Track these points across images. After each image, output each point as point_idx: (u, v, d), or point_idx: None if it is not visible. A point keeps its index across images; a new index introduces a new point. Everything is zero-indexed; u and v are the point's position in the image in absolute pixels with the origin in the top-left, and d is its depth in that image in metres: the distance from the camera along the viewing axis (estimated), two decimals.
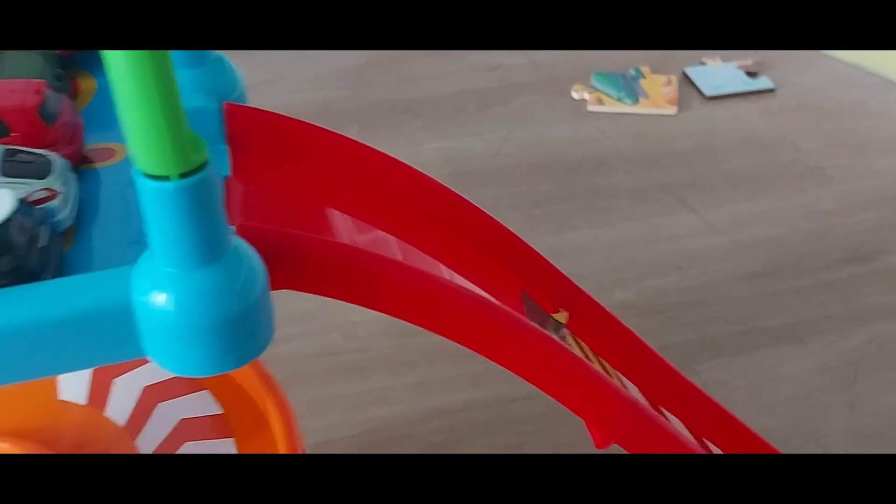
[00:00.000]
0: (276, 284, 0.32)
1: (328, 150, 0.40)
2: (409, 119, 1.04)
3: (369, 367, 0.74)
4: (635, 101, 1.07)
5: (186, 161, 0.26)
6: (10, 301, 0.28)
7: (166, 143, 0.26)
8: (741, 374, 0.74)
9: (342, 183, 0.41)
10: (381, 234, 0.41)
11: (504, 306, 0.36)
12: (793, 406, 0.71)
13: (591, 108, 1.06)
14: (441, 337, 0.83)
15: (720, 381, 0.74)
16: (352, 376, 0.74)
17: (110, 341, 0.29)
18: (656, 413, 0.40)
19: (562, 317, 0.45)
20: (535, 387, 0.38)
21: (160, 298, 0.28)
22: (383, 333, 0.77)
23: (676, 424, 0.46)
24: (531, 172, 0.97)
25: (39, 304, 0.29)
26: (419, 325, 0.35)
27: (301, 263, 0.32)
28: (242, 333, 0.29)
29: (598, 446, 0.40)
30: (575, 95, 1.08)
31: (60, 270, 0.31)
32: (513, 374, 0.77)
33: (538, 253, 0.45)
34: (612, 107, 1.06)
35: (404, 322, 0.82)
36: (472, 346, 0.36)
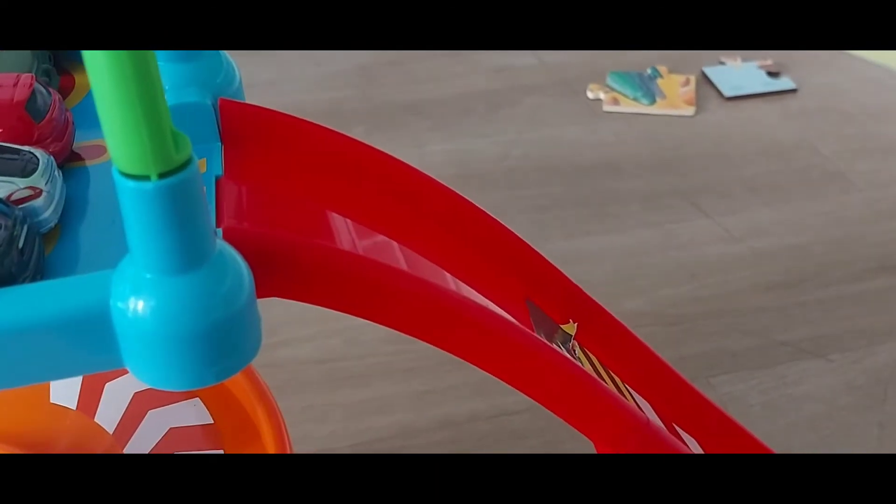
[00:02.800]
0: (265, 291, 0.30)
1: (328, 149, 0.38)
2: (415, 120, 1.02)
3: (370, 374, 0.73)
4: (652, 101, 1.04)
5: (167, 160, 0.25)
6: None
7: (145, 141, 0.24)
8: (760, 389, 0.72)
9: (342, 184, 0.39)
10: (382, 238, 0.39)
11: (512, 319, 0.34)
12: (816, 425, 0.68)
13: (607, 108, 1.04)
14: None
15: (737, 397, 0.71)
16: (352, 383, 0.72)
17: (87, 350, 0.28)
18: (668, 433, 0.38)
19: (570, 328, 0.43)
20: (544, 407, 0.36)
21: (138, 304, 0.26)
22: (385, 340, 0.75)
23: (691, 444, 0.44)
24: (541, 175, 0.95)
25: (13, 309, 0.27)
26: (419, 338, 0.33)
27: (292, 269, 0.31)
28: (225, 344, 0.28)
29: None
30: (590, 95, 1.05)
31: (42, 272, 0.30)
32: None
33: (546, 259, 0.43)
34: (628, 107, 1.04)
35: None
36: (476, 361, 0.34)
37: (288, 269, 0.31)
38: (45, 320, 0.27)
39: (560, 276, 0.43)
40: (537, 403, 0.76)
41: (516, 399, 0.71)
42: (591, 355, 0.43)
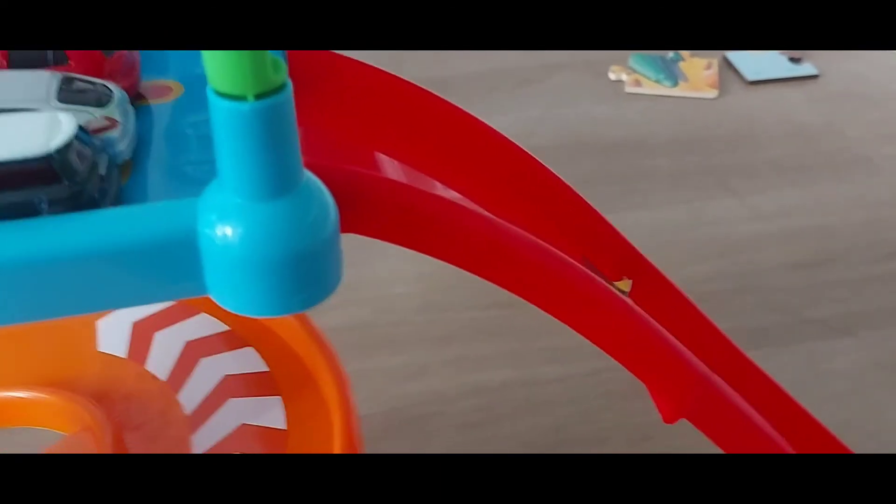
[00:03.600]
0: (343, 227, 0.30)
1: (386, 91, 0.38)
2: (443, 96, 1.01)
3: (403, 341, 0.72)
4: (674, 83, 1.04)
5: (264, 81, 0.25)
6: (71, 227, 0.26)
7: (244, 60, 0.24)
8: (789, 366, 0.72)
9: (399, 127, 0.39)
10: (439, 186, 0.39)
11: (574, 261, 0.34)
12: (844, 402, 0.68)
13: (629, 89, 1.03)
14: (477, 314, 0.81)
15: None
16: (385, 350, 0.72)
17: (172, 275, 0.27)
18: (731, 390, 0.38)
19: (625, 285, 0.43)
20: (603, 350, 0.36)
21: (227, 230, 0.26)
22: (418, 308, 0.75)
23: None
24: (567, 153, 0.94)
25: (101, 231, 0.27)
26: (486, 278, 0.33)
27: (370, 206, 0.30)
28: (310, 273, 0.28)
29: (665, 420, 0.38)
30: (612, 77, 1.05)
31: (120, 203, 0.30)
32: (547, 354, 0.75)
33: (602, 216, 0.43)
34: (650, 89, 1.03)
35: (439, 298, 0.80)
36: (540, 301, 0.34)
37: (367, 205, 0.30)
38: (132, 243, 0.27)
39: (616, 235, 0.43)
40: (568, 374, 0.76)
41: (550, 368, 0.71)
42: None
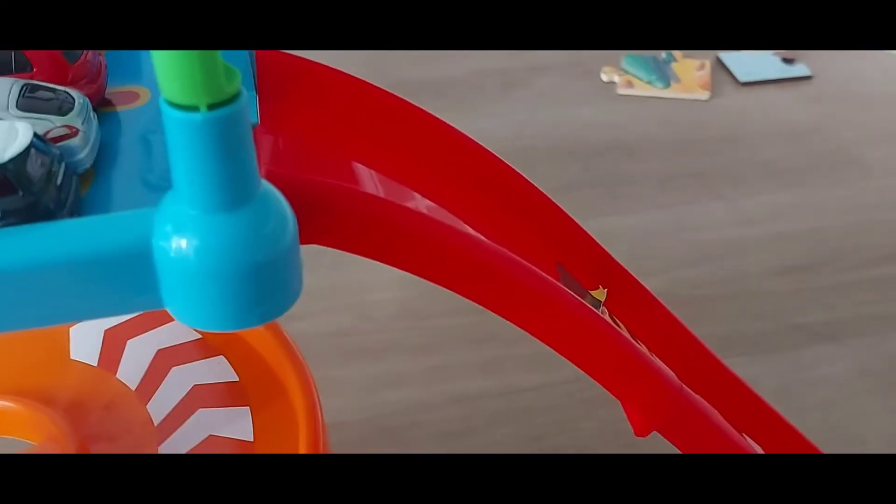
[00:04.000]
0: (304, 238, 0.29)
1: (360, 99, 0.37)
2: (427, 99, 1.00)
3: (383, 348, 0.72)
4: (667, 84, 1.04)
5: (217, 91, 0.24)
6: (24, 239, 0.26)
7: (196, 70, 0.23)
8: (774, 372, 0.71)
9: (372, 135, 0.38)
10: (410, 193, 0.39)
11: (545, 274, 0.34)
12: (830, 410, 0.68)
13: (621, 91, 1.03)
14: (456, 321, 0.81)
15: (751, 380, 0.70)
16: (364, 358, 0.71)
17: (128, 288, 0.27)
18: (703, 401, 0.37)
19: (600, 294, 0.42)
20: (575, 366, 0.36)
21: (181, 242, 0.26)
22: (398, 315, 0.75)
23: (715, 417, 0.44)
24: (554, 156, 0.94)
25: (55, 243, 0.26)
26: (456, 291, 0.32)
27: (332, 216, 0.30)
28: (269, 285, 0.27)
29: (637, 434, 0.38)
30: (604, 78, 1.05)
31: (78, 213, 0.29)
32: (526, 362, 0.74)
33: (577, 224, 0.42)
34: (642, 90, 1.03)
35: (419, 304, 0.80)
36: (512, 317, 0.33)
37: (328, 215, 0.30)
38: (87, 255, 0.26)
39: (591, 242, 0.43)
40: (546, 383, 0.75)
41: (527, 377, 0.71)
42: (620, 323, 0.43)
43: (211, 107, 0.24)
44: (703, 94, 1.03)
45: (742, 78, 1.06)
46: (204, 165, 0.25)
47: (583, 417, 0.68)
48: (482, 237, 0.38)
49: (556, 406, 0.68)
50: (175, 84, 0.24)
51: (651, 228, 0.84)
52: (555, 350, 0.35)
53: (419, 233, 0.31)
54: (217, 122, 0.24)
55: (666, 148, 0.95)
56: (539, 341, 0.64)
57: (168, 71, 0.24)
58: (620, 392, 0.36)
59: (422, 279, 0.83)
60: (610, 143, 0.96)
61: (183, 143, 0.25)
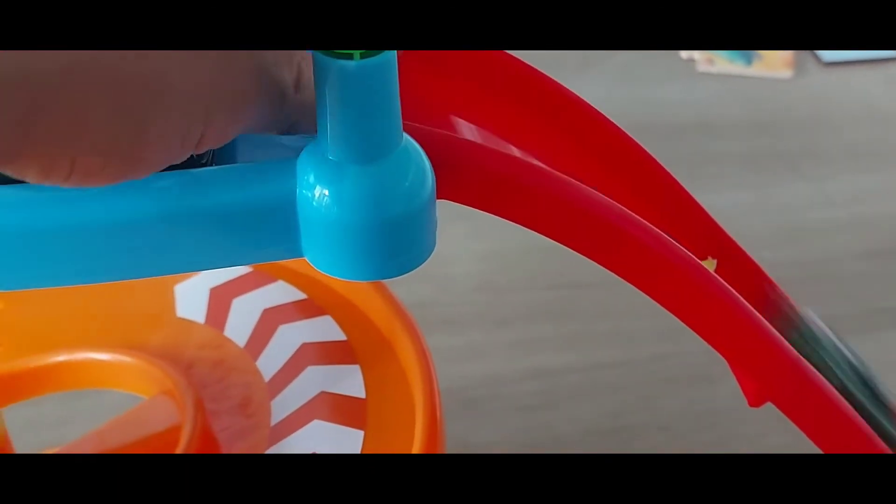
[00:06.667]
0: (440, 193, 0.29)
1: (465, 53, 0.37)
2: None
3: (462, 321, 0.72)
4: (749, 62, 1.01)
5: None
6: (172, 185, 0.26)
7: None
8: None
9: (477, 88, 0.38)
10: (513, 149, 0.38)
11: (670, 238, 0.33)
12: None
13: (701, 68, 1.00)
14: (536, 295, 0.80)
15: None
16: (443, 330, 0.71)
17: (269, 237, 0.27)
18: (820, 376, 0.36)
19: (709, 264, 0.41)
20: (690, 328, 0.35)
21: (325, 192, 0.26)
22: (478, 288, 0.75)
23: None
24: (634, 134, 0.92)
25: (196, 190, 0.27)
26: (579, 251, 0.32)
27: (466, 172, 0.30)
28: (406, 238, 0.27)
29: (751, 404, 0.37)
30: (684, 55, 1.02)
31: (215, 161, 0.30)
32: (608, 338, 0.73)
33: (688, 192, 0.41)
34: (723, 67, 1.00)
35: (498, 278, 0.79)
36: (632, 277, 0.33)
37: (462, 171, 0.30)
38: (233, 203, 0.27)
39: (703, 213, 0.42)
40: (629, 360, 0.74)
41: (611, 352, 0.70)
42: None
43: (363, 55, 0.24)
44: (787, 73, 0.99)
45: (826, 58, 1.02)
46: (353, 115, 0.25)
47: (664, 396, 0.67)
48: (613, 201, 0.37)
49: (638, 383, 0.67)
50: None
51: (733, 209, 0.82)
52: (668, 309, 0.34)
53: (551, 193, 0.30)
54: (369, 69, 0.24)
55: (748, 127, 0.93)
56: (623, 317, 0.63)
57: None
58: (738, 359, 0.35)
59: (503, 254, 0.82)
60: (689, 121, 0.94)
61: (334, 91, 0.25)
